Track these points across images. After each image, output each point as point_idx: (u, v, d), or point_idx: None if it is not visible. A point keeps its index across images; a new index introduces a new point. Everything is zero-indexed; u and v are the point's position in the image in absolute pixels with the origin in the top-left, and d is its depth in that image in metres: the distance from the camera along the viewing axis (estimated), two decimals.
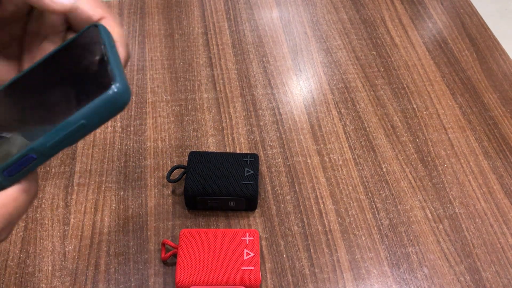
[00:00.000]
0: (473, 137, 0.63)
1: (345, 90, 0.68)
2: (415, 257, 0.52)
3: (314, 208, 0.56)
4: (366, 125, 0.64)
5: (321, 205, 0.56)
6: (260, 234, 0.53)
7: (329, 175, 0.59)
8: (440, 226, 0.55)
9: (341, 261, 0.52)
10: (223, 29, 0.75)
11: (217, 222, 0.54)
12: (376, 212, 0.56)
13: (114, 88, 0.26)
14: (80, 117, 0.26)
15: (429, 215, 0.56)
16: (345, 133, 0.63)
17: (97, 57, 0.29)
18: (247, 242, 0.50)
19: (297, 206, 0.56)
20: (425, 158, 0.61)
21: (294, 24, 0.77)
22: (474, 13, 0.80)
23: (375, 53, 0.73)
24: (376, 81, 0.69)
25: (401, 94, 0.68)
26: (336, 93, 0.67)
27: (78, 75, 0.29)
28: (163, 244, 0.51)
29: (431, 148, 0.62)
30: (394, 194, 0.57)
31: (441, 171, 0.59)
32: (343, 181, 0.58)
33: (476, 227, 0.55)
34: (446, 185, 0.58)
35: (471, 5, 0.81)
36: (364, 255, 0.52)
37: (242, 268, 0.48)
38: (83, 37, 0.31)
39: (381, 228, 0.54)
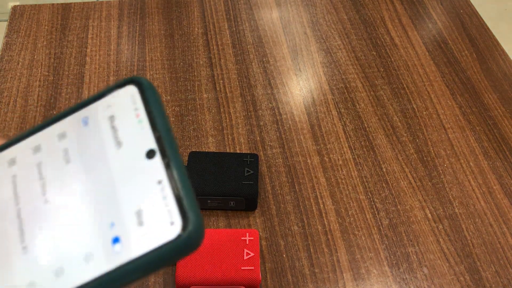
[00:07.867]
0: (473, 137, 0.63)
1: (345, 90, 0.68)
2: (415, 257, 0.52)
3: (314, 208, 0.56)
4: (366, 125, 0.64)
5: (321, 205, 0.56)
6: (260, 234, 0.53)
7: (329, 175, 0.59)
8: (440, 226, 0.55)
9: (341, 261, 0.52)
10: (223, 29, 0.75)
11: (217, 222, 0.54)
12: (376, 212, 0.56)
13: (188, 229, 0.17)
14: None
15: (429, 215, 0.56)
16: (345, 133, 0.63)
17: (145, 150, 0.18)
18: (247, 242, 0.50)
19: (297, 206, 0.56)
20: (424, 158, 0.61)
21: (294, 24, 0.77)
22: (473, 13, 0.80)
23: (375, 53, 0.73)
24: (376, 81, 0.69)
25: (401, 94, 0.68)
26: (336, 93, 0.67)
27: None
28: None
29: (431, 148, 0.62)
30: (394, 194, 0.57)
31: (440, 171, 0.59)
32: (343, 181, 0.58)
33: (476, 227, 0.55)
34: (446, 185, 0.58)
35: (470, 5, 0.81)
36: (364, 255, 0.52)
37: (242, 268, 0.48)
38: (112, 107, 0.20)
39: (381, 228, 0.54)
